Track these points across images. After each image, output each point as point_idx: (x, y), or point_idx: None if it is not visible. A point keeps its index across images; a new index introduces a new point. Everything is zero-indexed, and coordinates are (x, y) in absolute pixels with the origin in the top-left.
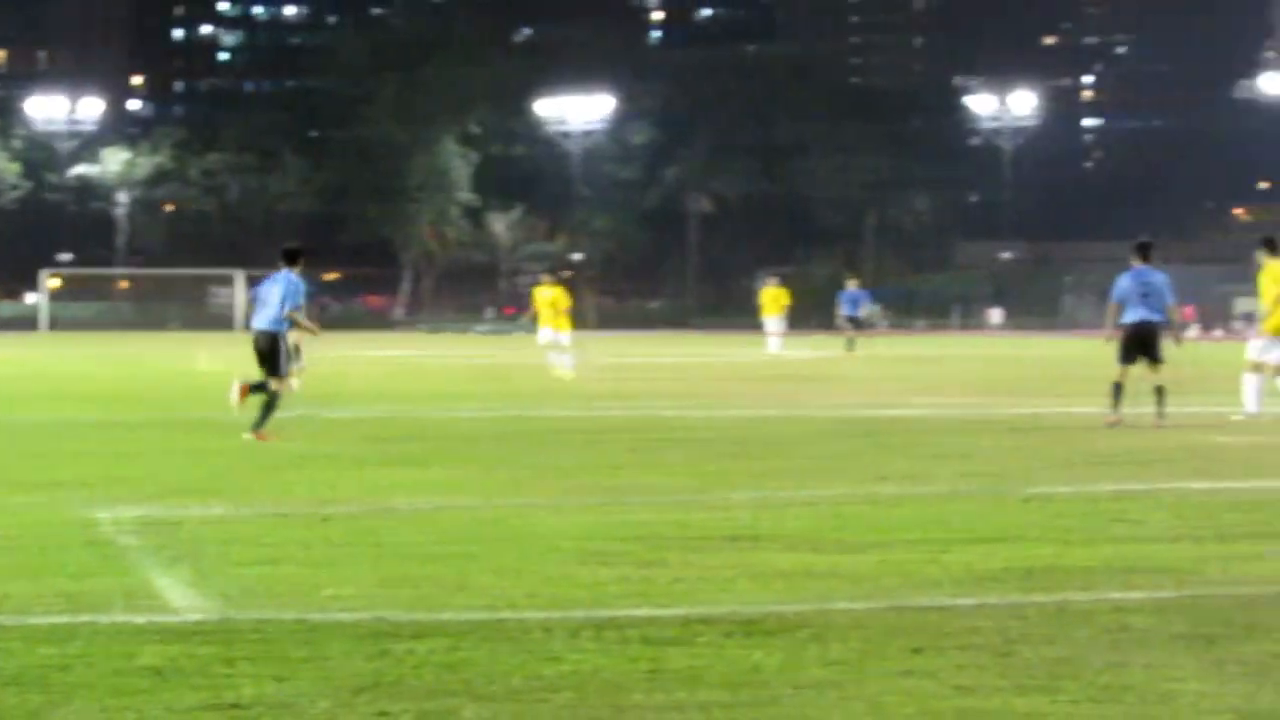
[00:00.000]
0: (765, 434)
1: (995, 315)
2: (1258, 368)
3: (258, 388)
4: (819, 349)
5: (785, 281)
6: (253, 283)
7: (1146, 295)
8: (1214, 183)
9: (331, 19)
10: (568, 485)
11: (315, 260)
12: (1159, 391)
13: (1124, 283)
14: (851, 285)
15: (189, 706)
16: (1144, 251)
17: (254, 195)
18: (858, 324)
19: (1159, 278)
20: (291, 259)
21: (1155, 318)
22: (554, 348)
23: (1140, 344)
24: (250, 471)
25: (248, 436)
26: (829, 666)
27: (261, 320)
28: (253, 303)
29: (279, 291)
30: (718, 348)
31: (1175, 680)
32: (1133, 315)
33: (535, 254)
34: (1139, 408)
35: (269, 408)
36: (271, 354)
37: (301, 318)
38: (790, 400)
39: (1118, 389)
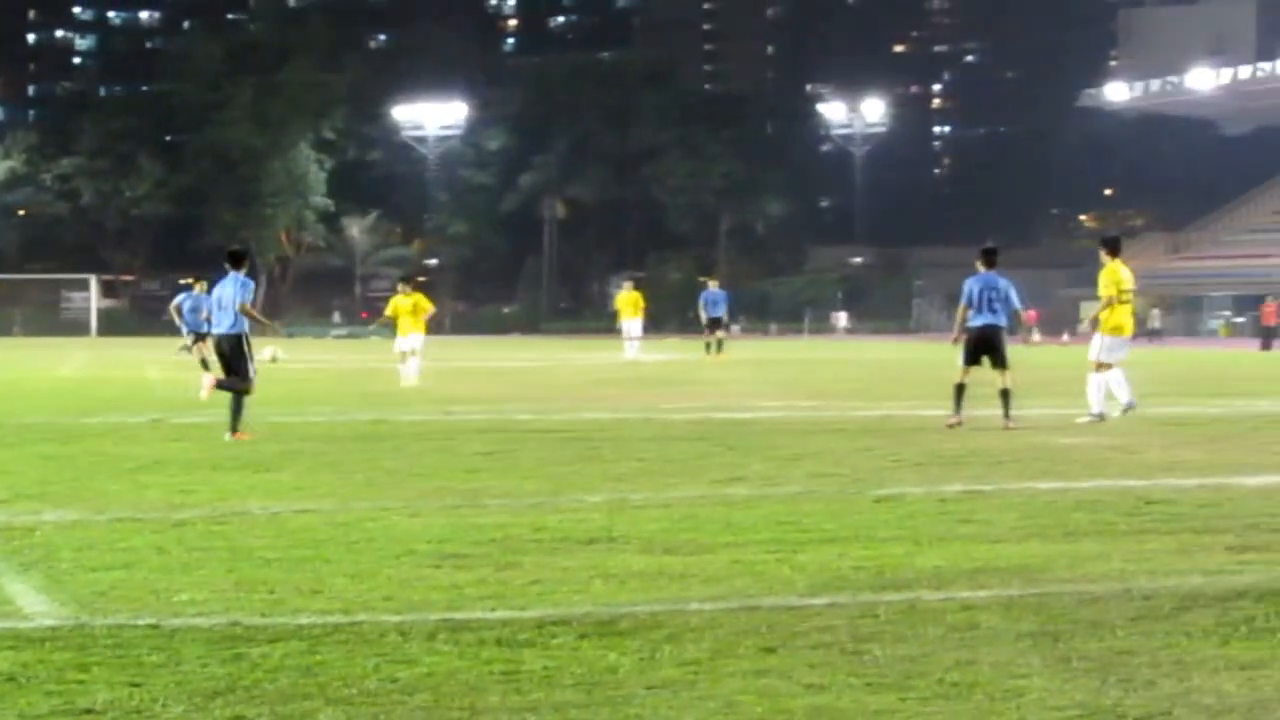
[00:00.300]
0: (620, 436)
1: (841, 319)
2: (1100, 368)
3: (226, 386)
4: (674, 352)
5: (640, 285)
6: (108, 288)
7: (992, 300)
8: (1060, 189)
9: (187, 24)
10: (423, 488)
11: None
12: (1005, 395)
13: (971, 287)
14: (712, 286)
15: (42, 713)
16: (989, 257)
17: (108, 200)
18: (718, 325)
19: (1004, 283)
20: (236, 261)
21: (1000, 322)
22: (411, 354)
23: (985, 347)
24: (104, 476)
25: (228, 437)
26: (683, 666)
27: (221, 324)
28: (206, 310)
29: (230, 293)
30: (573, 351)
31: (1022, 677)
32: (979, 319)
33: (391, 259)
34: (987, 410)
35: (238, 408)
36: (235, 356)
37: (254, 311)
38: (645, 403)
39: (960, 391)
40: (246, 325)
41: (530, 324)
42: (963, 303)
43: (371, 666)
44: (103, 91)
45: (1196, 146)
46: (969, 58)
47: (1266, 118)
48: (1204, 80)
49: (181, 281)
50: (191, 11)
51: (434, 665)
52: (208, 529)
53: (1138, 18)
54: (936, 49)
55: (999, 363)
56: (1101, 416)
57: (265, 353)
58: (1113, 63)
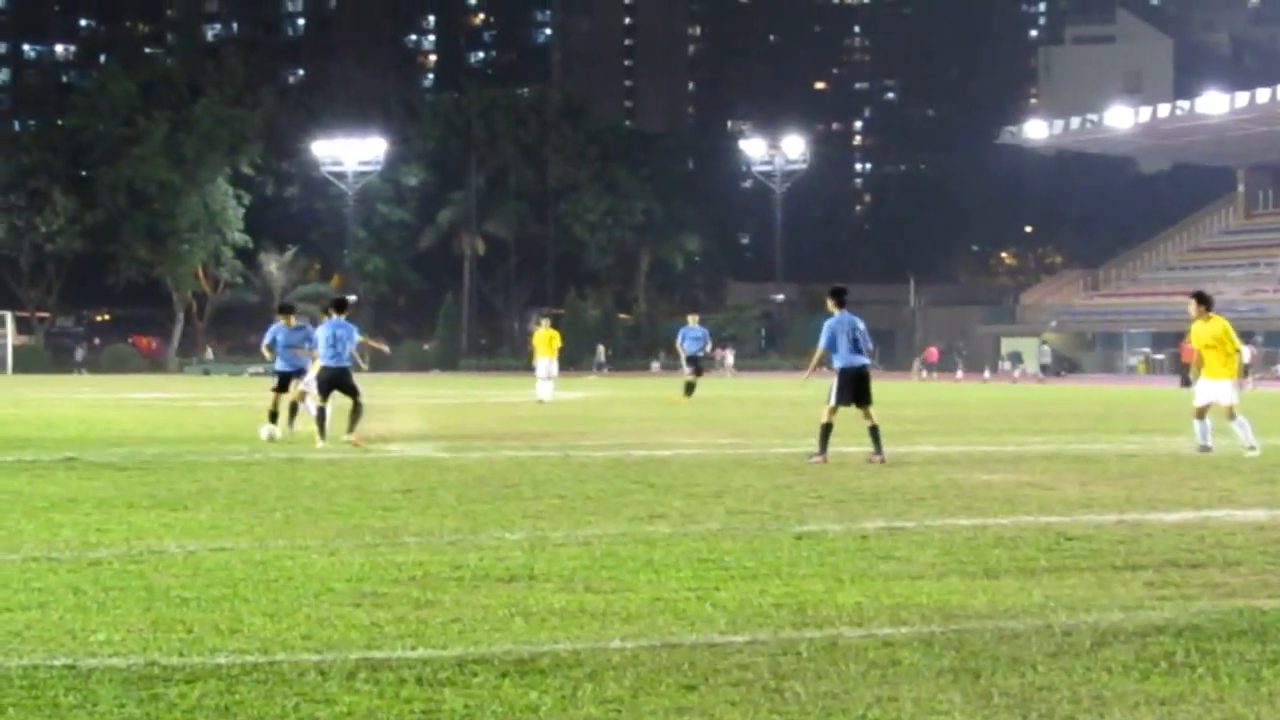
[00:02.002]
0: (539, 474)
1: (728, 357)
2: (1202, 412)
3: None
4: (590, 389)
5: (557, 323)
6: (22, 325)
7: (858, 340)
8: (980, 226)
9: (101, 58)
10: (341, 526)
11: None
12: (875, 431)
13: (834, 328)
14: (692, 322)
15: None
16: (840, 297)
17: (21, 235)
18: (697, 364)
19: (861, 323)
20: (340, 307)
21: (867, 361)
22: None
23: (859, 387)
24: (17, 515)
25: (347, 437)
26: (603, 705)
27: (331, 359)
28: (312, 346)
29: (338, 335)
30: (491, 389)
31: (943, 713)
32: (848, 360)
33: (309, 295)
34: (903, 447)
35: (357, 415)
36: (345, 382)
37: (372, 342)
38: (564, 441)
39: (828, 430)
40: (349, 360)
41: (448, 361)
42: (823, 344)
43: (290, 706)
44: (16, 126)
45: (1115, 184)
46: (889, 95)
47: (1183, 156)
48: (1122, 118)
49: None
50: (106, 46)
51: (353, 704)
52: (123, 568)
53: (1057, 56)
54: (856, 86)
55: (867, 401)
56: None
57: (263, 431)
58: (1032, 100)
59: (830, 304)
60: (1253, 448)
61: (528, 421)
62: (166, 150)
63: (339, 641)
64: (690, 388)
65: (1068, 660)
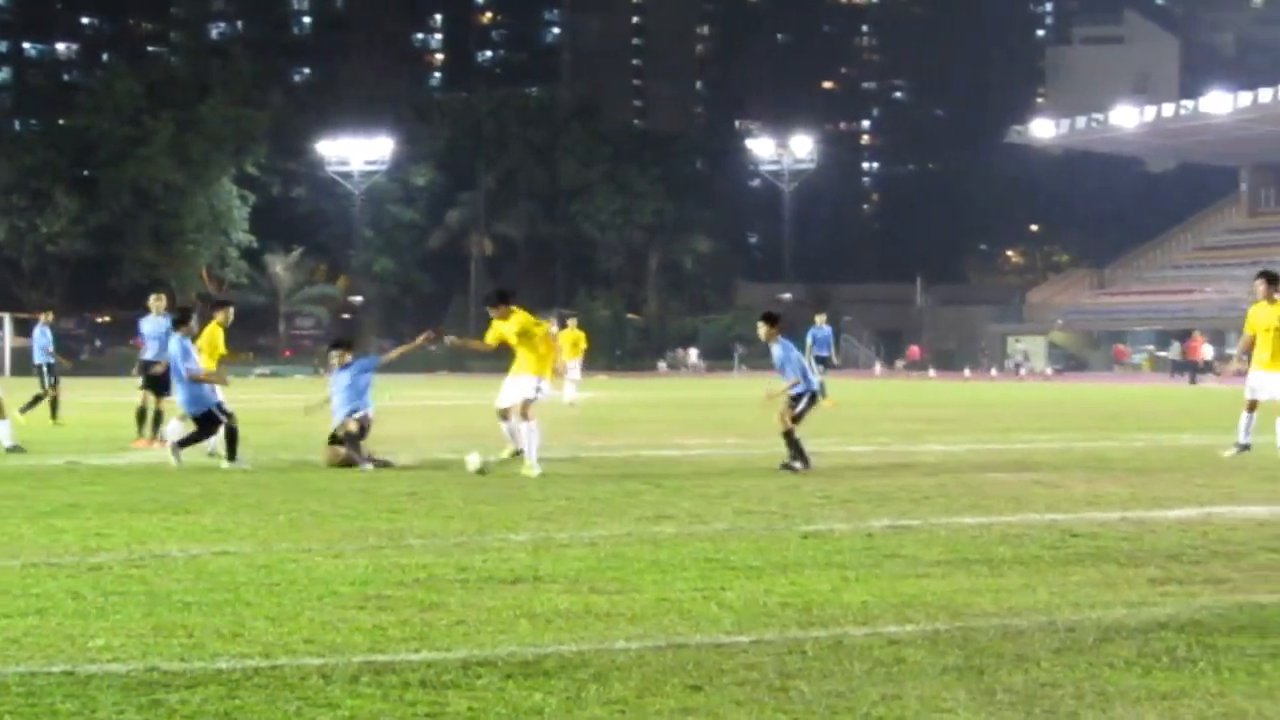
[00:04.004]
0: (546, 475)
1: (692, 355)
2: (1253, 406)
3: None
4: (604, 390)
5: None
6: (22, 327)
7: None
8: (987, 225)
9: (105, 57)
10: (346, 529)
11: (87, 303)
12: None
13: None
14: (819, 321)
15: None
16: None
17: (23, 236)
18: (827, 365)
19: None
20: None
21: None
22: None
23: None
24: (19, 520)
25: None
26: (609, 706)
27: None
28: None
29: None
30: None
31: (948, 711)
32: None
33: (315, 296)
34: (911, 446)
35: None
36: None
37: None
38: (572, 441)
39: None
40: None
41: (457, 362)
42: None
43: (293, 710)
44: (18, 126)
45: (1121, 183)
46: (897, 95)
47: (1189, 155)
48: (1128, 118)
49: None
50: (110, 44)
51: (357, 708)
52: (124, 573)
53: (1064, 56)
54: (865, 86)
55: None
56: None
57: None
58: (1039, 100)
59: (770, 328)
60: None
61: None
62: (172, 150)
63: (342, 645)
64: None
65: (1072, 656)
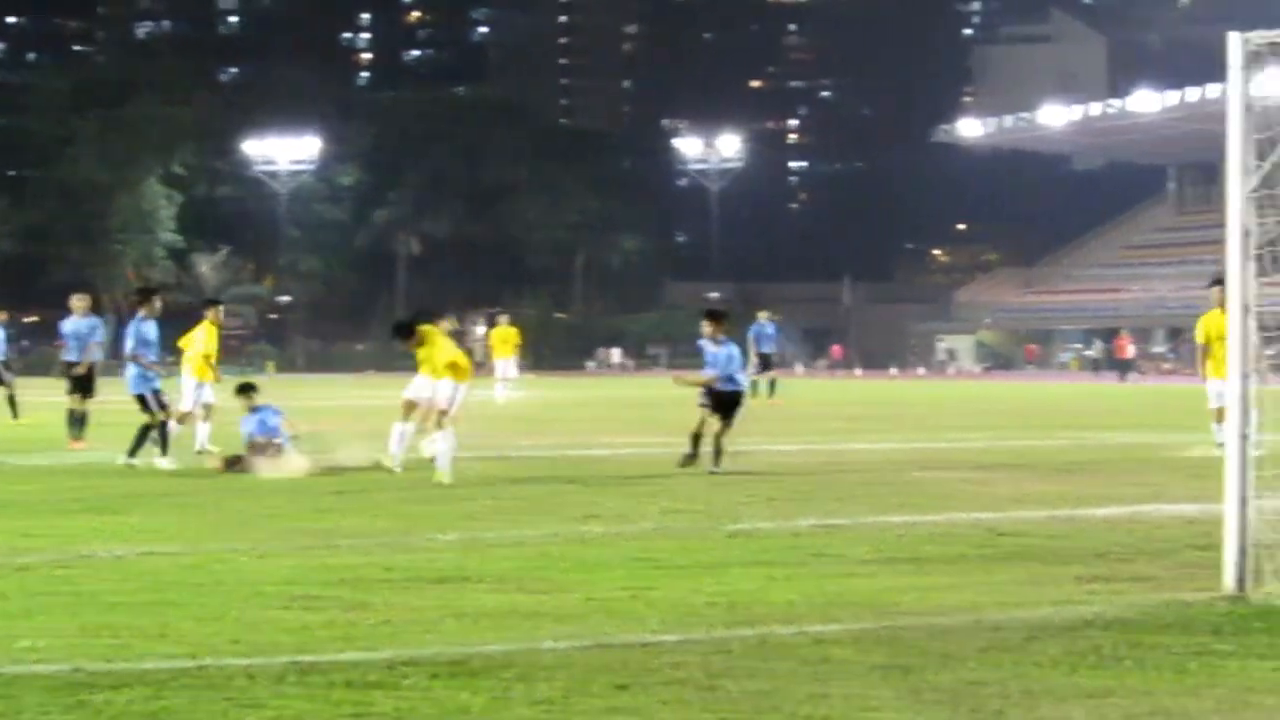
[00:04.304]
0: (474, 475)
1: (615, 355)
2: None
3: None
4: (531, 389)
5: (494, 322)
6: None
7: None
8: (915, 224)
9: (32, 56)
10: (272, 530)
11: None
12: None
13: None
14: (763, 318)
15: None
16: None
17: None
18: (768, 362)
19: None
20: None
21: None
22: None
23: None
24: None
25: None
26: (535, 706)
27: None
28: None
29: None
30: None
31: (874, 709)
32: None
33: (242, 296)
34: (829, 445)
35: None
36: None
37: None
38: (500, 441)
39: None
40: None
41: (384, 362)
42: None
43: (219, 711)
44: None
45: (1049, 182)
46: (825, 94)
47: (1117, 154)
48: (1056, 117)
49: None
50: (36, 44)
51: (282, 708)
52: (50, 574)
53: (991, 55)
54: (793, 85)
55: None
56: None
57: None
58: (967, 99)
59: (714, 327)
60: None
61: (463, 421)
62: (98, 150)
63: (269, 645)
64: (771, 386)
65: (998, 655)
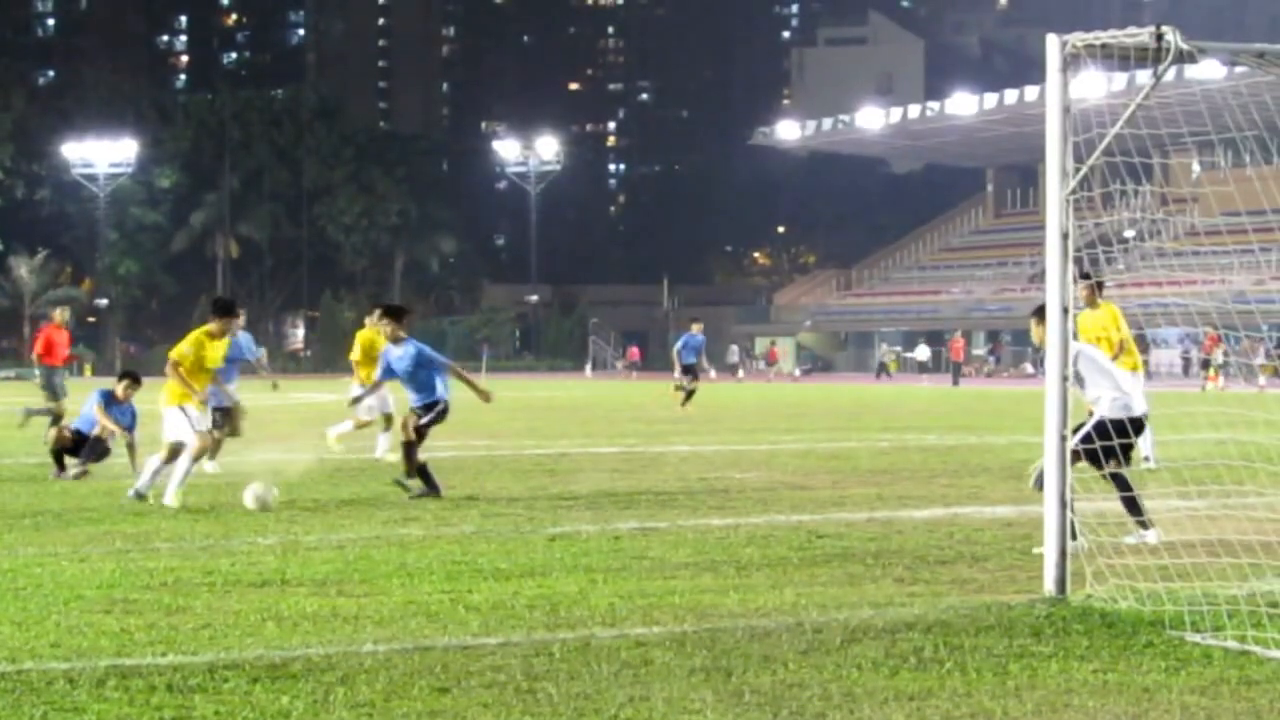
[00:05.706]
0: (293, 478)
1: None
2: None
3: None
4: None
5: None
6: None
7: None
8: (733, 227)
9: None
10: (92, 533)
11: None
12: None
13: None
14: (695, 329)
15: None
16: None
17: None
18: (693, 372)
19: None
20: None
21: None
22: None
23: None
24: None
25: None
26: (356, 709)
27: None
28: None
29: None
30: (247, 393)
31: (695, 712)
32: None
33: (61, 299)
34: (661, 446)
35: None
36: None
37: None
38: (317, 444)
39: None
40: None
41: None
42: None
43: (39, 715)
44: None
45: (867, 185)
46: (642, 96)
47: (934, 156)
48: (874, 119)
49: None
50: None
51: (103, 713)
52: None
53: (809, 57)
54: (611, 88)
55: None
56: None
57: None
58: (785, 102)
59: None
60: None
61: (283, 424)
62: None
63: (88, 649)
64: (690, 395)
65: (818, 657)
